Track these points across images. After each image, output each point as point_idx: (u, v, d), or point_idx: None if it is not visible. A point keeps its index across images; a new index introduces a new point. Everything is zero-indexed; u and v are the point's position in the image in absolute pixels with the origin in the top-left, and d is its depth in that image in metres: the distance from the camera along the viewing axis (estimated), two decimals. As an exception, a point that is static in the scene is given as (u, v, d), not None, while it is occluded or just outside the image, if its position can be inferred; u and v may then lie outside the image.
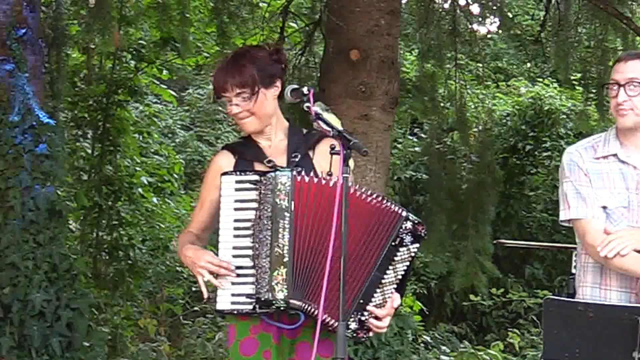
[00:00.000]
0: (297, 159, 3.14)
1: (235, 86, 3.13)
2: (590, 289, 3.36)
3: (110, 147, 8.45)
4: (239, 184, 3.03)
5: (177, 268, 9.28)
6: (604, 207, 3.31)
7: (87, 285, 6.59)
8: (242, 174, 3.05)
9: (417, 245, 3.05)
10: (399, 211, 3.03)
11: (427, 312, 9.12)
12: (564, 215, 3.38)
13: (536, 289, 10.24)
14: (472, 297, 9.84)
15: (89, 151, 8.54)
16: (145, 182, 8.78)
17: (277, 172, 3.01)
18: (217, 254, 3.04)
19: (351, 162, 3.12)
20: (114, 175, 8.40)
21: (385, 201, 3.03)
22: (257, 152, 3.20)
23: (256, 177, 3.02)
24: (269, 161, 3.15)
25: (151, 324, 8.13)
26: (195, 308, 9.12)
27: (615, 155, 3.36)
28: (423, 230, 3.05)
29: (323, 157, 3.10)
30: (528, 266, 10.99)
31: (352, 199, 2.96)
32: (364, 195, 3.01)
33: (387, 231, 3.02)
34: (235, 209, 3.02)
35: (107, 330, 7.13)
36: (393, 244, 3.02)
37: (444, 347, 8.82)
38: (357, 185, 3.06)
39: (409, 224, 3.02)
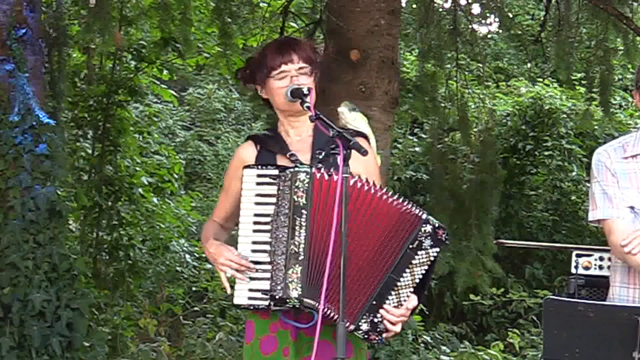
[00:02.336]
0: (320, 157, 3.13)
1: (301, 59, 3.15)
2: (619, 289, 3.37)
3: (110, 147, 8.45)
4: (260, 177, 3.02)
5: (177, 268, 9.29)
6: (632, 207, 3.30)
7: (87, 285, 6.59)
8: (264, 167, 3.04)
9: (437, 249, 3.01)
10: (419, 214, 2.99)
11: (427, 312, 9.11)
12: (591, 215, 3.39)
13: (536, 289, 10.23)
14: (472, 297, 9.84)
15: (89, 151, 8.54)
16: (146, 182, 8.78)
17: (296, 168, 2.99)
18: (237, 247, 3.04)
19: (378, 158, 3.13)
20: (114, 175, 8.40)
21: (405, 202, 3.00)
22: (281, 145, 3.18)
23: (276, 172, 3.00)
24: (292, 155, 3.13)
25: (151, 324, 8.13)
26: (195, 308, 9.12)
27: None
28: (444, 235, 3.01)
29: (351, 157, 3.03)
30: (528, 266, 10.98)
31: (369, 197, 2.96)
32: (385, 196, 2.99)
33: (405, 234, 2.98)
34: (256, 203, 3.01)
35: (107, 330, 7.13)
36: (411, 246, 2.98)
37: (444, 347, 8.82)
38: (379, 185, 3.03)
39: (428, 228, 2.99)
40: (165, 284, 9.06)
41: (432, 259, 3.02)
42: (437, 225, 3.01)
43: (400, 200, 3.00)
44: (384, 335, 3.05)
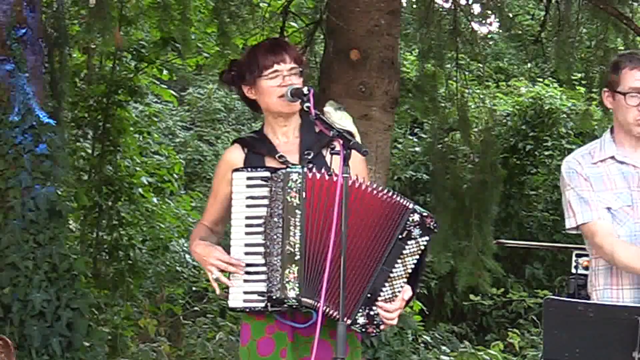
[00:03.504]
0: (309, 157, 3.12)
1: (293, 60, 3.14)
2: (602, 292, 3.37)
3: (110, 147, 8.46)
4: (250, 180, 3.01)
5: (177, 268, 9.28)
6: (608, 209, 3.31)
7: (87, 285, 6.59)
8: (253, 170, 3.04)
9: (427, 238, 3.01)
10: (406, 204, 3.00)
11: (427, 312, 9.12)
12: (570, 223, 3.38)
13: (536, 289, 10.24)
14: (472, 297, 9.84)
15: (89, 151, 8.54)
16: (145, 182, 8.78)
17: (288, 169, 2.99)
18: (229, 251, 3.03)
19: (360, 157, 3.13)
20: (114, 175, 8.40)
21: (392, 194, 3.01)
22: (269, 147, 3.17)
23: (267, 174, 3.00)
24: (281, 156, 3.12)
25: (151, 324, 8.13)
26: (195, 308, 9.12)
27: (612, 157, 3.36)
28: (432, 223, 3.01)
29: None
30: (528, 266, 10.99)
31: (361, 194, 2.96)
32: (374, 191, 3.00)
33: (393, 224, 2.99)
34: (247, 206, 3.00)
35: (107, 330, 7.13)
36: (400, 237, 2.99)
37: (444, 347, 8.83)
38: (368, 181, 3.05)
39: (416, 217, 2.99)
40: (165, 284, 9.06)
41: (422, 248, 3.02)
42: (424, 213, 3.01)
43: (387, 192, 3.02)
44: (382, 327, 3.06)
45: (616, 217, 3.31)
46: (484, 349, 8.52)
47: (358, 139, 3.26)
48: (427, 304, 9.48)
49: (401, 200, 3.01)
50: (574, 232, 3.41)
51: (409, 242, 3.00)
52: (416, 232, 3.00)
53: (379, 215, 2.99)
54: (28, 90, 5.66)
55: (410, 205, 3.00)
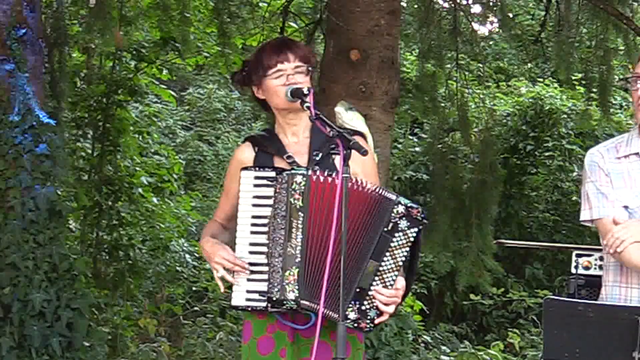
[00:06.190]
0: (318, 158, 3.13)
1: (298, 58, 3.15)
2: (611, 288, 3.36)
3: (110, 147, 8.45)
4: (257, 179, 3.03)
5: (177, 268, 9.29)
6: (626, 207, 3.30)
7: (87, 285, 6.58)
8: (261, 169, 3.05)
9: (415, 229, 2.99)
10: (389, 196, 2.99)
11: (427, 312, 9.12)
12: (584, 215, 3.36)
13: (536, 289, 10.24)
14: (472, 297, 9.85)
15: (89, 151, 8.54)
16: (145, 182, 8.78)
17: (293, 171, 3.00)
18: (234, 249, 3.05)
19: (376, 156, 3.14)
20: (114, 175, 8.40)
21: (377, 189, 3.00)
22: (278, 147, 3.18)
23: (273, 174, 3.01)
24: (289, 157, 3.14)
25: (151, 324, 8.12)
26: (195, 308, 9.12)
27: (636, 154, 3.33)
28: (419, 214, 2.99)
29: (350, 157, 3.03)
30: (528, 266, 10.99)
31: (357, 194, 2.96)
32: (358, 187, 2.99)
33: (378, 218, 2.98)
34: (253, 205, 3.02)
35: (107, 330, 7.13)
36: (386, 229, 2.97)
37: (444, 347, 8.83)
38: (378, 181, 3.06)
39: (400, 208, 2.98)
40: (165, 284, 9.06)
41: (411, 239, 3.00)
42: (409, 205, 2.99)
43: (374, 188, 3.01)
44: (377, 320, 3.04)
45: (633, 216, 3.29)
46: (484, 349, 8.52)
47: (370, 139, 3.28)
48: (427, 304, 9.48)
49: (384, 193, 3.00)
50: (589, 224, 3.40)
51: (396, 235, 2.99)
52: (403, 224, 2.99)
53: (364, 210, 2.98)
54: (28, 90, 5.66)
55: (394, 197, 2.99)
